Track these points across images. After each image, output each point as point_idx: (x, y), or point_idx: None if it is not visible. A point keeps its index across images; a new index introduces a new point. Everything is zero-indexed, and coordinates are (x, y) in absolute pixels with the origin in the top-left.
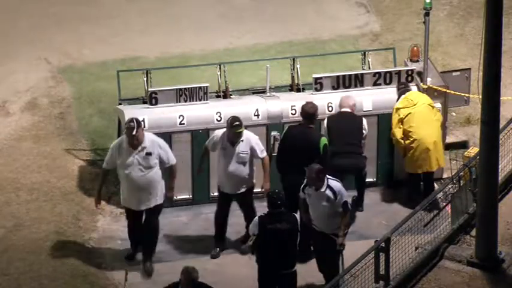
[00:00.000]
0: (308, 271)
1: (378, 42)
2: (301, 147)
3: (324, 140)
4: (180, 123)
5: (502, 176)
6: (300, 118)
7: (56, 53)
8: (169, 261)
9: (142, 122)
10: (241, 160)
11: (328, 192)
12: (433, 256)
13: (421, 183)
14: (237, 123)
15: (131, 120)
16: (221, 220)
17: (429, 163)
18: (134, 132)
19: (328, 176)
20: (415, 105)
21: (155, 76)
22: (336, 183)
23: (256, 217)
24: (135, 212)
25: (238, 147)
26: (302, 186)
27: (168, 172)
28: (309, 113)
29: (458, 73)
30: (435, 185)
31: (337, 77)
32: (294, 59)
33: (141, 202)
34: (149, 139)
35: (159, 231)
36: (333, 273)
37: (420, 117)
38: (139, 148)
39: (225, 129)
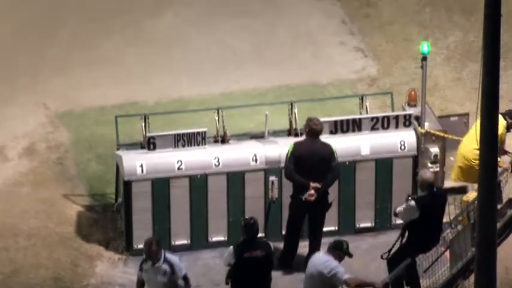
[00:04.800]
0: None
1: (376, 87)
2: (316, 161)
3: (332, 148)
4: (178, 168)
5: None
6: None
7: (54, 98)
8: None
9: None
10: None
11: (165, 266)
12: None
13: None
14: None
15: None
16: None
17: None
18: None
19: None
20: None
21: (153, 121)
22: (173, 257)
23: (231, 247)
24: None
25: None
26: (140, 263)
27: None
28: (317, 130)
29: (456, 118)
30: None
31: (335, 121)
32: (291, 104)
33: None
34: None
35: None
36: None
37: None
38: None
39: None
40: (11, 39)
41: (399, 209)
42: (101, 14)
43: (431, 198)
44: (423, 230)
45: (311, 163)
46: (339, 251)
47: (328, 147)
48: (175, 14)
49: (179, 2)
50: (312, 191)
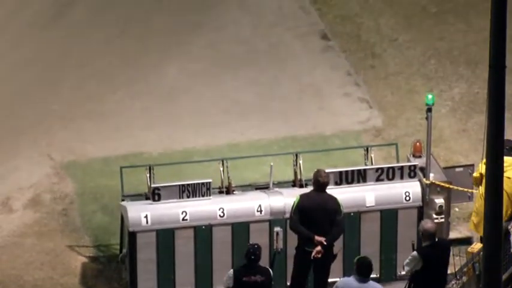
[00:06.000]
0: None
1: (381, 138)
2: (321, 214)
3: (338, 201)
4: (183, 219)
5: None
6: None
7: (59, 150)
8: None
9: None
10: None
11: None
12: None
13: None
14: None
15: None
16: None
17: None
18: None
19: None
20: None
21: (158, 172)
22: None
23: (231, 270)
24: None
25: None
26: None
27: None
28: (322, 182)
29: (461, 169)
30: None
31: (340, 172)
32: (296, 155)
33: None
34: None
35: None
36: None
37: None
38: None
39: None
40: (16, 92)
41: (406, 261)
42: (106, 68)
43: (434, 249)
44: (426, 280)
45: (316, 215)
46: None
47: (334, 200)
48: (181, 67)
49: (184, 57)
50: (319, 248)
